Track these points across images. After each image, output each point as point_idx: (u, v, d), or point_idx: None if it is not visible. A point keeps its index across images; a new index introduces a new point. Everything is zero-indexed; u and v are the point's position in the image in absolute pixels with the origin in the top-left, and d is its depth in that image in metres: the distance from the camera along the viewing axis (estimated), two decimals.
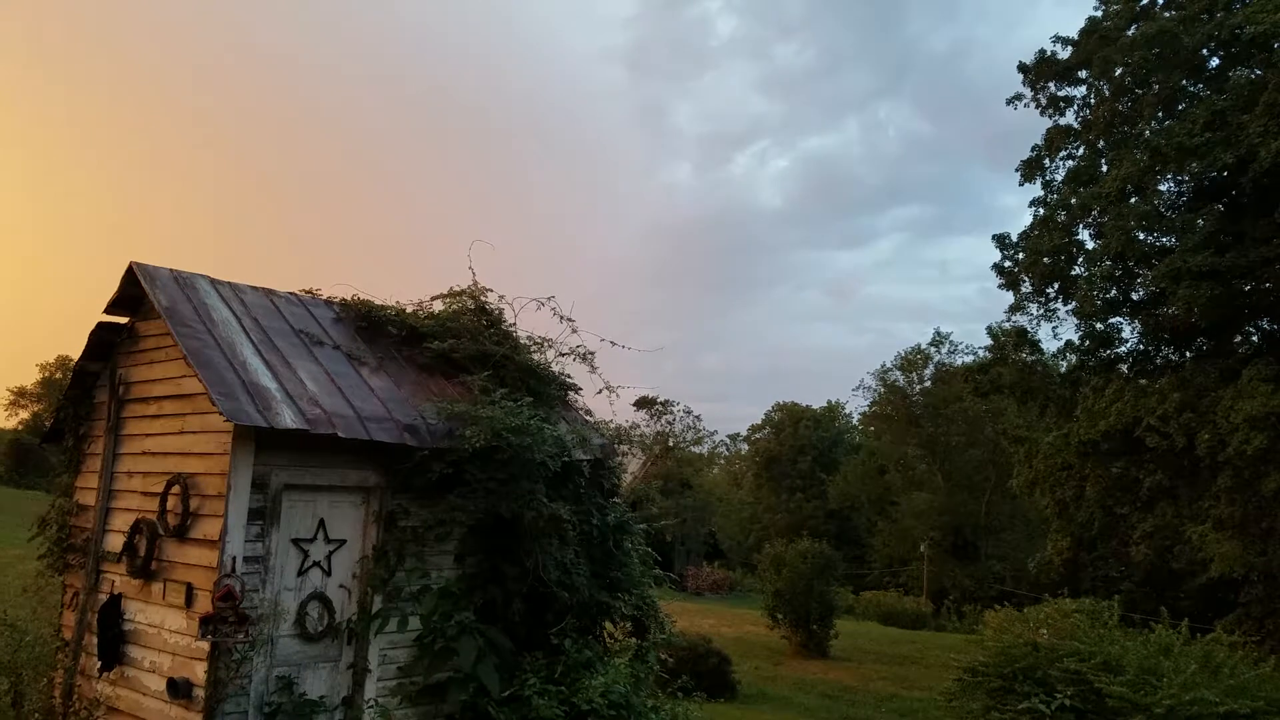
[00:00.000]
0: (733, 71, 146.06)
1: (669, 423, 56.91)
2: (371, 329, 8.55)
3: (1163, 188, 20.30)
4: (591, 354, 9.01)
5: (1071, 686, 10.14)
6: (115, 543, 7.27)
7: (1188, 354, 21.49)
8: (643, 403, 54.56)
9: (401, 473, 7.23)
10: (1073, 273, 21.77)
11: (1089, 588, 30.48)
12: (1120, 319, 21.79)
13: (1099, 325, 21.68)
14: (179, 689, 6.19)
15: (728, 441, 77.62)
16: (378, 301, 8.77)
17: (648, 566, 9.06)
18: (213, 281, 7.88)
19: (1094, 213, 20.92)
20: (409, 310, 8.92)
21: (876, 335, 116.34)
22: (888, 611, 36.53)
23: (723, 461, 79.64)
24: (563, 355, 9.05)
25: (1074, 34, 22.10)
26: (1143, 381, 20.97)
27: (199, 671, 6.16)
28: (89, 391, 8.10)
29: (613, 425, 9.36)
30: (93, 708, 6.97)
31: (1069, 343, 22.72)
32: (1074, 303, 21.45)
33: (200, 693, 6.12)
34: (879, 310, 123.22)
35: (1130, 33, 20.50)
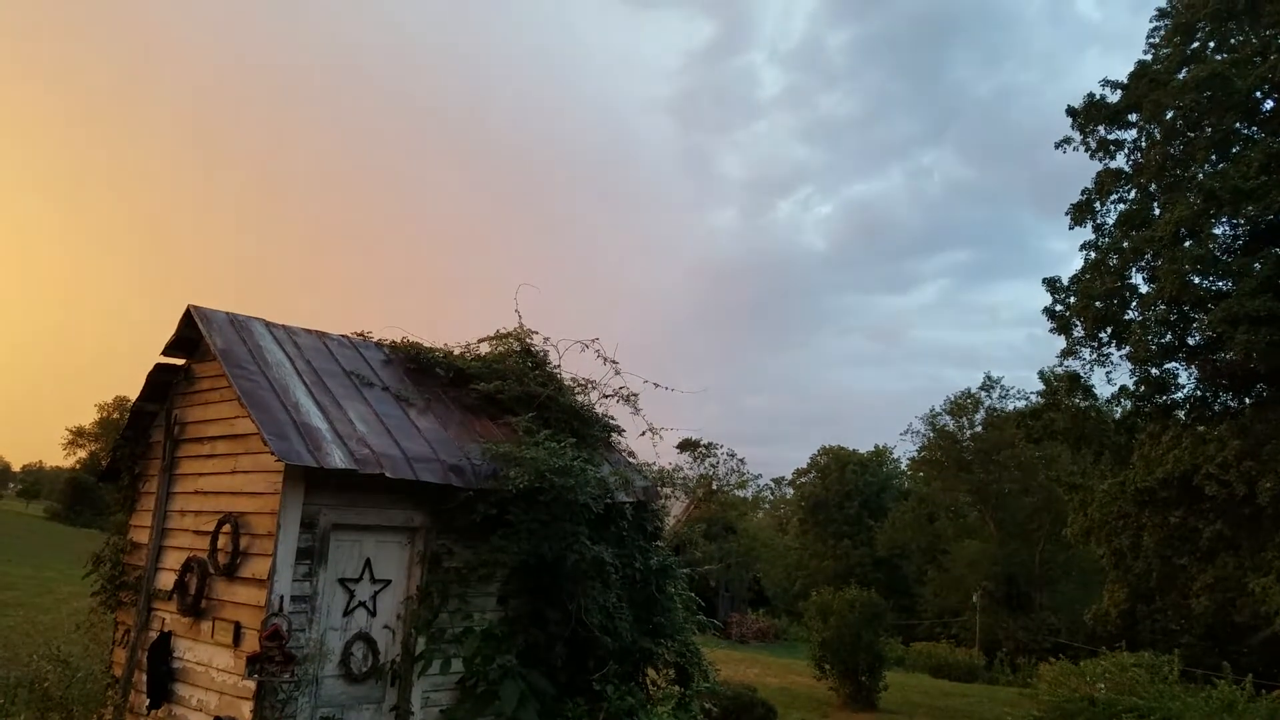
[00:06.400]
0: (777, 120, 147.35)
1: (712, 465, 56.43)
2: (420, 371, 8.68)
3: (1217, 231, 19.92)
4: (635, 395, 9.05)
5: None
6: (167, 580, 7.38)
7: (1247, 400, 20.92)
8: (686, 445, 54.14)
9: (446, 513, 7.28)
10: (1126, 317, 21.38)
11: (1148, 641, 29.48)
12: (1176, 364, 21.31)
13: (1154, 370, 21.23)
14: None
15: (772, 485, 76.85)
16: (426, 344, 8.92)
17: (691, 612, 8.98)
18: (267, 324, 8.05)
19: (1147, 256, 20.60)
20: (456, 352, 9.05)
21: (923, 380, 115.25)
22: (939, 663, 35.60)
23: (768, 506, 78.82)
24: (606, 397, 9.10)
25: (1122, 78, 21.98)
26: (1201, 428, 20.43)
27: (245, 710, 6.20)
28: (145, 431, 8.29)
29: (656, 467, 9.37)
30: None
31: (1123, 388, 22.27)
32: (1128, 347, 21.03)
33: None
34: (925, 355, 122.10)
35: (1181, 76, 20.33)
